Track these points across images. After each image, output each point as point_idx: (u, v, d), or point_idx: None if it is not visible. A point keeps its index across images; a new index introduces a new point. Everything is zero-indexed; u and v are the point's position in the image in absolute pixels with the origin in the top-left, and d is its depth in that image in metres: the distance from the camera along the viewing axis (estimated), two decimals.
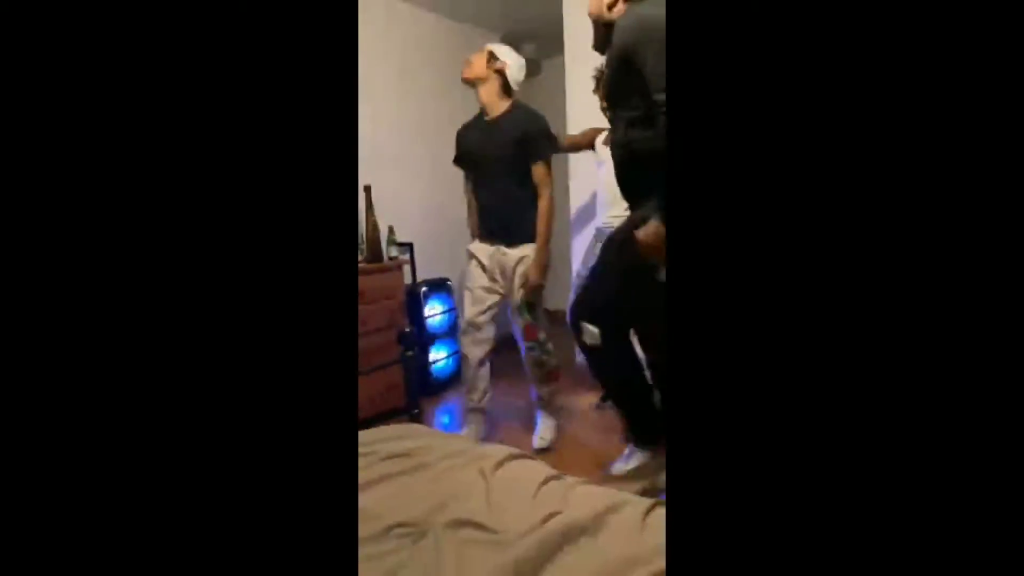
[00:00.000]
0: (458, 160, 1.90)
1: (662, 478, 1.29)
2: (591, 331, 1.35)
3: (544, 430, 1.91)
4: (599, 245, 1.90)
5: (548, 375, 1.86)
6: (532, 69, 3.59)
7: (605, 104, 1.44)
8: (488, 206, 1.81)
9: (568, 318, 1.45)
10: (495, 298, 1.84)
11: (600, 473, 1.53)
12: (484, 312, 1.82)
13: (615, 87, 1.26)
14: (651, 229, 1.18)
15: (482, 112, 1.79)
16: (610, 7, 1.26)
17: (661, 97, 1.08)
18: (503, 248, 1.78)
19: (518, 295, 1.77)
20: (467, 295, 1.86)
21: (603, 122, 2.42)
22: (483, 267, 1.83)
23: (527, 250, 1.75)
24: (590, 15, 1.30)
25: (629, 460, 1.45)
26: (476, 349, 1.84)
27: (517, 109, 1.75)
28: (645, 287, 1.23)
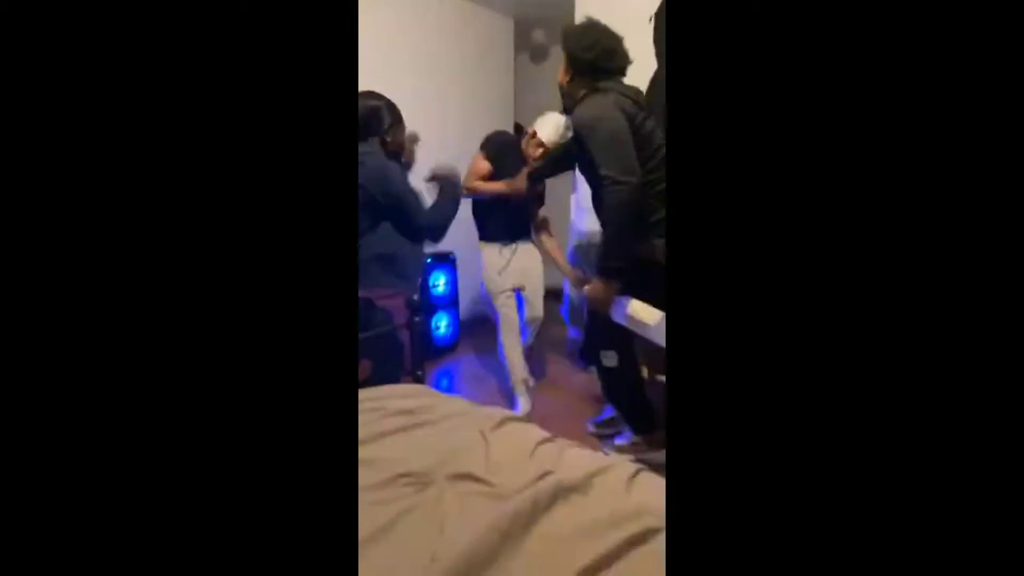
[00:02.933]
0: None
1: (653, 455, 1.54)
2: (610, 355, 1.53)
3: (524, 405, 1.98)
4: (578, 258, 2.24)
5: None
6: (540, 55, 3.50)
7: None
8: None
9: (579, 360, 1.64)
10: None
11: (599, 445, 1.72)
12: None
13: (580, 158, 1.49)
14: (594, 287, 1.43)
15: None
16: (568, 83, 1.46)
17: (603, 171, 1.29)
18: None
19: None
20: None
21: None
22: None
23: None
24: (558, 85, 1.51)
25: (628, 439, 1.69)
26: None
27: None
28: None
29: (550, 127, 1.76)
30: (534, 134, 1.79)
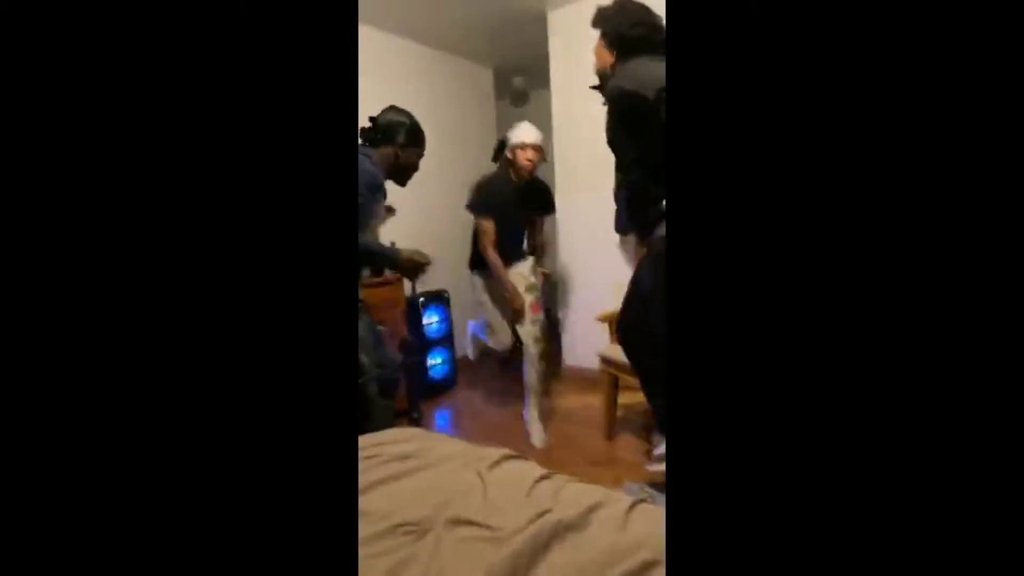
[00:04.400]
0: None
1: None
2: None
3: (536, 432, 1.96)
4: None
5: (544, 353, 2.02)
6: (520, 99, 3.64)
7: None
8: None
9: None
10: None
11: (644, 469, 1.62)
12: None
13: (614, 136, 1.31)
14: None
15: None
16: (612, 67, 1.33)
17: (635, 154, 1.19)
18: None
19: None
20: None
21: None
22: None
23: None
24: (596, 72, 1.39)
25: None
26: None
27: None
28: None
29: (532, 130, 1.93)
30: (530, 147, 1.92)
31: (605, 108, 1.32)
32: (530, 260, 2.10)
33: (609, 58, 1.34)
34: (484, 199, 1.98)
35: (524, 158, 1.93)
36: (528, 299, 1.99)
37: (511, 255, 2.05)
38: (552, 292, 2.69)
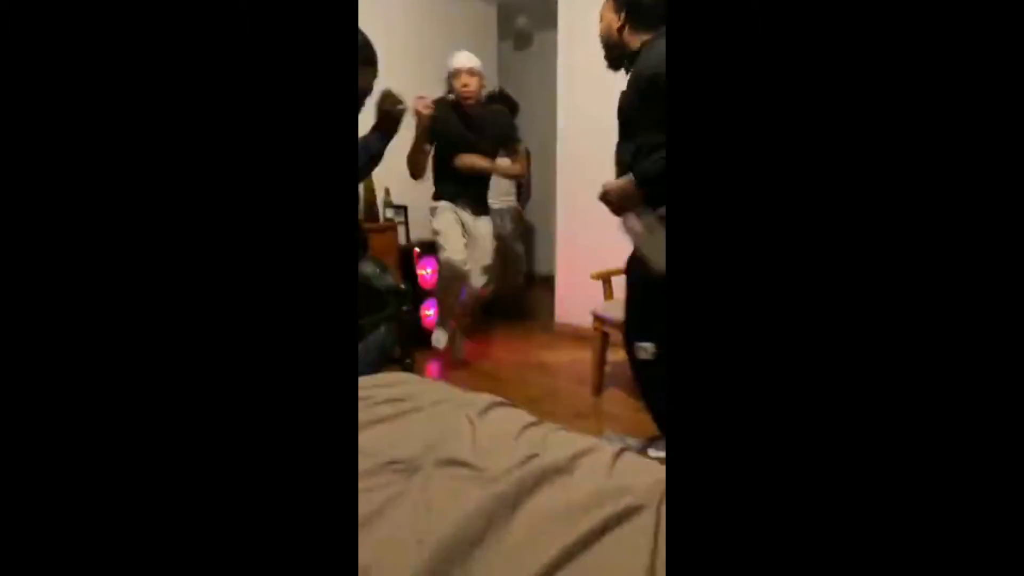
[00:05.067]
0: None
1: None
2: (645, 347, 1.32)
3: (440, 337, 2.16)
4: None
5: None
6: (524, 41, 3.44)
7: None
8: None
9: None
10: None
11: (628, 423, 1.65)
12: None
13: (634, 112, 1.23)
14: (616, 183, 1.24)
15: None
16: (619, 30, 1.24)
17: (657, 138, 1.11)
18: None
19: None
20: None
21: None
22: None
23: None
24: (600, 36, 1.31)
25: (663, 448, 1.63)
26: None
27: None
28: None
29: (466, 55, 1.92)
30: (464, 72, 1.89)
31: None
32: (488, 222, 2.07)
33: (616, 21, 1.24)
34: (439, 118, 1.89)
35: (459, 84, 1.89)
36: (481, 280, 2.02)
37: (465, 199, 1.99)
38: (527, 235, 2.67)
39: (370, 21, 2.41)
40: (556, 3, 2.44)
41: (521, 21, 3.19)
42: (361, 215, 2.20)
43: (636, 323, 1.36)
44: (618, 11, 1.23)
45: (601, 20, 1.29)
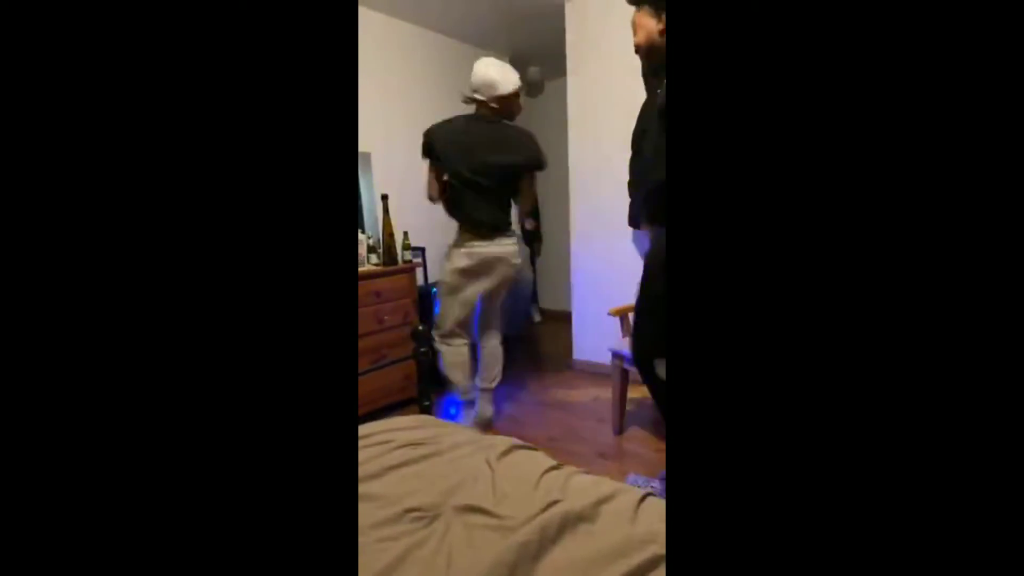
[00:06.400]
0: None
1: None
2: (664, 364, 1.25)
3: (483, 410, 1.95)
4: None
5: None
6: (536, 90, 3.59)
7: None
8: None
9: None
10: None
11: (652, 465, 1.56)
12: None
13: (650, 134, 1.20)
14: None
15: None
16: (662, 33, 1.19)
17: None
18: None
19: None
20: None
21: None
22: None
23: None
24: (639, 45, 1.25)
25: None
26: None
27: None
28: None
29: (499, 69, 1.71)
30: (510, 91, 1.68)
31: (643, 90, 1.20)
32: (515, 240, 1.79)
33: (657, 24, 1.18)
34: (430, 140, 1.70)
35: (521, 102, 1.67)
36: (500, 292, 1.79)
37: (486, 222, 1.71)
38: (536, 256, 2.58)
39: (387, 70, 2.58)
40: (564, 53, 2.56)
41: (532, 71, 3.34)
42: (381, 259, 2.25)
43: (650, 339, 1.29)
44: (657, 14, 1.18)
45: (637, 31, 1.23)
